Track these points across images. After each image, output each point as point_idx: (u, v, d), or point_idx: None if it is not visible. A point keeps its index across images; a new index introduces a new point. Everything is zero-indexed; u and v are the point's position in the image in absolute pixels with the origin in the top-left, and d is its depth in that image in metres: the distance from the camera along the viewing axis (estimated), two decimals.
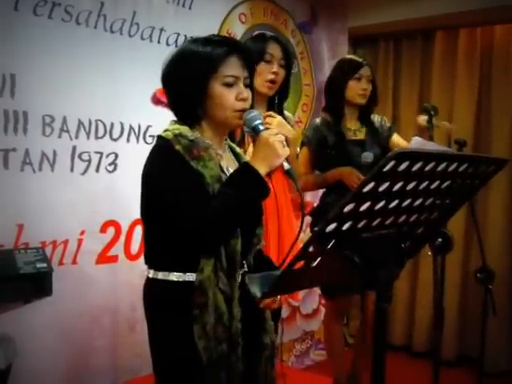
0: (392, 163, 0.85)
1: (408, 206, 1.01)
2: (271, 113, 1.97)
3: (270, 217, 1.95)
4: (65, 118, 2.17)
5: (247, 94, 1.36)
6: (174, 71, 1.36)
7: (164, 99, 1.43)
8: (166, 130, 1.35)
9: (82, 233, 2.23)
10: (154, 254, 1.38)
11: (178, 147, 1.30)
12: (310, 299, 3.45)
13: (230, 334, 1.32)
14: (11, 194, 2.02)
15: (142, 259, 1.43)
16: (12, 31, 2.01)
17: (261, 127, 1.35)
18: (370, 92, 2.48)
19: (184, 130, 1.34)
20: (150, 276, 1.38)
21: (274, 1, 3.13)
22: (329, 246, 0.97)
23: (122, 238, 2.38)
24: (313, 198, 3.20)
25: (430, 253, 1.94)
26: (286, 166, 1.33)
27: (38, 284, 1.76)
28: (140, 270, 1.53)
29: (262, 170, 1.28)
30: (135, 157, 2.25)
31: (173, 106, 1.40)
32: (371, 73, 2.49)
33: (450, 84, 3.51)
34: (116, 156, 2.36)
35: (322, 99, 3.37)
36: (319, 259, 0.99)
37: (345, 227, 0.94)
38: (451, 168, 0.99)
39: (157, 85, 1.41)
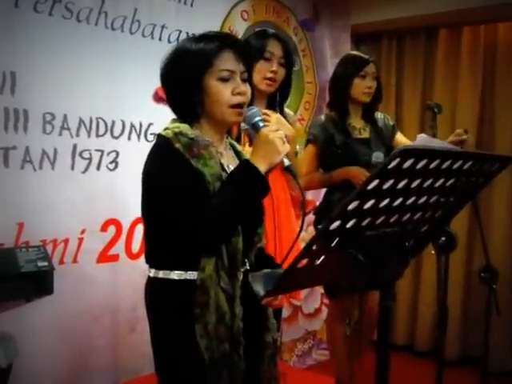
0: (397, 160, 0.84)
1: (412, 204, 1.01)
2: (267, 111, 1.94)
3: (267, 215, 1.93)
4: (65, 115, 2.17)
5: (244, 88, 1.35)
6: (170, 70, 1.37)
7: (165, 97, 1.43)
8: (165, 129, 1.35)
9: (83, 231, 2.23)
10: (155, 253, 1.38)
11: (177, 146, 1.29)
12: (312, 299, 3.44)
13: (232, 333, 1.32)
14: (11, 193, 2.02)
15: (142, 258, 1.42)
16: (12, 28, 2.00)
17: (260, 124, 1.34)
18: (375, 89, 2.46)
19: (184, 128, 1.34)
20: (151, 275, 1.37)
21: None
22: (333, 244, 0.96)
23: (123, 236, 2.37)
24: (314, 196, 3.19)
25: (433, 251, 1.92)
26: (287, 162, 1.32)
27: (39, 283, 1.76)
28: (141, 269, 1.52)
29: (262, 167, 1.28)
30: (136, 155, 2.24)
31: (172, 104, 1.40)
32: (376, 69, 2.46)
33: (453, 82, 3.49)
34: (117, 154, 2.35)
35: (324, 97, 3.36)
36: (323, 257, 0.99)
37: (349, 225, 0.94)
38: (456, 166, 0.99)
39: (158, 82, 1.40)
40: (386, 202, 0.94)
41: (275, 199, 1.98)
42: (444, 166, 0.95)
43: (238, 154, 1.49)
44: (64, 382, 2.17)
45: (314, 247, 0.95)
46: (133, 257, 2.40)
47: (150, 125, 2.44)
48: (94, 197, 2.25)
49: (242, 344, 1.33)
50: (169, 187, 1.28)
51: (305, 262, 0.96)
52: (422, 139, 2.05)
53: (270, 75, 1.96)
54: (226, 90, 1.33)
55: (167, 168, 1.29)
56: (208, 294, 1.28)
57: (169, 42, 2.51)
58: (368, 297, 2.53)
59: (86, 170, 2.24)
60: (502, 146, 3.33)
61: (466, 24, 3.43)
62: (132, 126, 2.40)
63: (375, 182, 0.87)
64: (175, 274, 1.32)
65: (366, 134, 2.48)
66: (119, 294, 2.36)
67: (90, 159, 2.25)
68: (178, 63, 1.35)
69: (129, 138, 2.39)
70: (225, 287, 1.31)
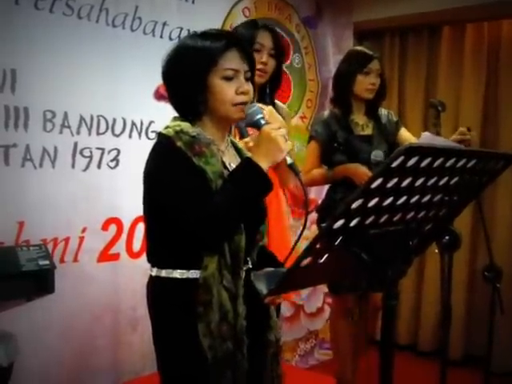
0: (401, 159, 0.84)
1: (416, 203, 1.00)
2: (261, 105, 1.92)
3: None
4: (66, 113, 2.16)
5: (248, 87, 1.35)
6: (174, 67, 1.35)
7: (166, 94, 1.41)
8: (166, 127, 1.34)
9: (84, 230, 2.22)
10: (157, 252, 1.37)
11: (179, 144, 1.29)
12: (315, 298, 3.43)
13: (235, 332, 1.31)
14: (12, 191, 2.01)
15: (143, 257, 1.42)
16: (13, 26, 2.00)
17: (262, 121, 1.33)
18: (378, 86, 2.44)
19: (185, 126, 1.33)
20: (153, 274, 1.37)
21: None
22: (336, 243, 0.96)
23: (124, 235, 2.36)
24: (317, 194, 3.18)
25: (436, 250, 1.91)
26: (289, 160, 1.31)
27: (41, 281, 1.76)
28: (142, 269, 1.52)
29: (264, 164, 1.27)
30: (137, 153, 2.22)
31: (174, 101, 1.39)
32: (380, 66, 2.45)
33: (456, 80, 3.47)
34: (118, 152, 2.34)
35: (326, 94, 3.35)
36: (326, 256, 0.98)
37: (352, 224, 0.93)
38: (460, 164, 0.98)
39: (159, 80, 1.39)
40: (389, 200, 0.94)
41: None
42: (448, 164, 0.94)
43: (239, 151, 1.49)
44: (65, 382, 2.17)
45: (318, 246, 0.94)
46: (134, 256, 2.39)
47: (151, 123, 2.43)
48: (95, 195, 2.25)
49: (245, 343, 1.33)
50: (170, 185, 1.27)
51: (308, 260, 0.96)
52: (426, 137, 2.05)
53: (260, 66, 1.93)
54: (229, 89, 1.32)
55: (169, 166, 1.29)
56: (211, 292, 1.28)
57: (170, 39, 2.50)
58: (371, 294, 2.52)
59: (87, 168, 2.23)
60: (507, 143, 3.31)
61: (469, 21, 3.41)
62: (133, 123, 2.39)
63: (379, 181, 0.87)
64: (177, 273, 1.31)
65: (368, 131, 2.48)
66: (120, 293, 2.35)
67: (91, 157, 2.24)
68: (182, 60, 1.34)
69: (130, 136, 2.38)
70: (228, 286, 1.30)
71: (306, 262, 0.96)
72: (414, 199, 0.99)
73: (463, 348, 3.37)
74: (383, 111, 2.55)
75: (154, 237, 1.37)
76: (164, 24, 2.48)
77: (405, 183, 0.91)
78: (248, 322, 1.34)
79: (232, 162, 1.40)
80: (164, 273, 1.33)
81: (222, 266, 1.30)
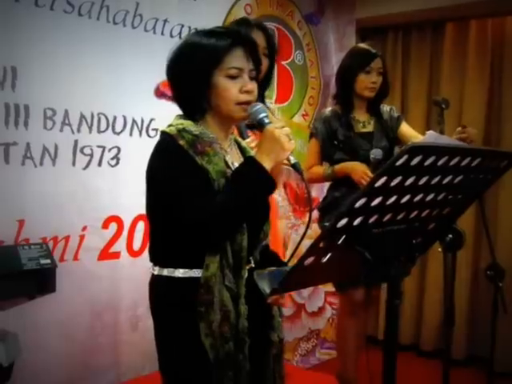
0: (405, 157, 0.84)
1: (420, 202, 1.00)
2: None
3: None
4: (66, 111, 2.15)
5: (252, 86, 1.34)
6: (179, 64, 1.35)
7: (167, 92, 1.40)
8: (169, 126, 1.34)
9: (84, 228, 2.21)
10: (160, 251, 1.37)
11: (181, 142, 1.28)
12: (316, 297, 3.41)
13: (237, 332, 1.31)
14: (12, 189, 2.00)
15: (144, 256, 1.41)
16: (13, 23, 1.98)
17: (266, 120, 1.32)
18: (381, 84, 2.45)
19: (188, 124, 1.33)
20: (156, 273, 1.36)
21: None
22: (339, 242, 0.96)
23: (125, 233, 2.35)
24: (318, 193, 3.16)
25: (440, 249, 1.90)
26: (293, 159, 1.31)
27: (42, 280, 1.76)
28: (142, 267, 1.51)
29: (268, 164, 1.26)
30: (138, 151, 2.24)
31: (177, 98, 1.38)
32: (382, 64, 2.45)
33: (460, 76, 3.45)
34: (118, 150, 2.33)
35: (328, 92, 3.33)
36: (330, 255, 0.98)
37: (356, 222, 0.94)
38: (464, 162, 0.98)
39: (160, 77, 1.39)
40: (393, 199, 0.94)
41: None
42: (452, 162, 0.94)
43: (242, 150, 1.48)
44: (65, 380, 2.16)
45: (321, 245, 0.94)
46: (134, 254, 2.38)
47: (151, 120, 2.42)
48: (96, 193, 2.24)
49: (246, 343, 1.32)
50: (173, 184, 1.26)
51: (311, 259, 0.96)
52: (431, 136, 2.04)
53: None
54: (233, 87, 1.32)
55: (171, 165, 1.28)
56: (212, 292, 1.27)
57: (171, 36, 2.49)
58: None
59: (87, 166, 2.22)
60: (510, 140, 3.29)
61: (473, 17, 3.39)
62: (134, 121, 2.38)
63: (383, 179, 0.87)
64: (180, 272, 1.31)
65: (370, 128, 2.49)
66: (121, 291, 2.34)
67: (92, 155, 2.24)
68: (187, 58, 1.33)
69: (130, 134, 2.37)
70: (229, 285, 1.30)
71: (309, 261, 0.95)
72: (417, 198, 0.98)
73: (466, 348, 3.35)
74: (385, 107, 2.55)
75: (157, 235, 1.37)
76: (165, 21, 2.46)
77: (408, 182, 0.91)
78: (250, 322, 1.33)
79: (235, 161, 1.40)
80: (166, 272, 1.33)
81: (223, 266, 1.29)
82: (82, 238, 2.20)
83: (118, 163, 2.33)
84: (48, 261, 1.79)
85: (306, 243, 1.05)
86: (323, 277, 1.31)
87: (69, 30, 2.13)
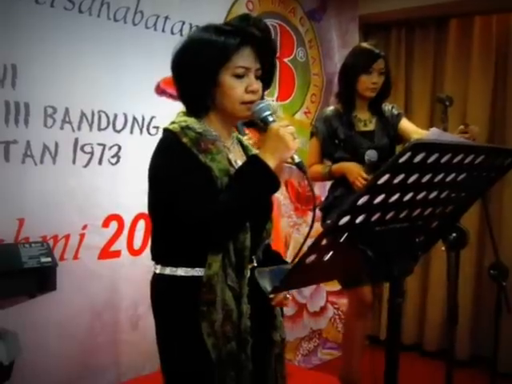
0: (408, 154, 0.83)
1: (423, 199, 0.99)
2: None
3: None
4: (67, 109, 2.14)
5: (257, 85, 1.33)
6: (185, 60, 1.33)
7: (168, 90, 1.38)
8: (172, 123, 1.33)
9: (84, 227, 2.21)
10: (162, 249, 1.36)
11: (185, 140, 1.28)
12: (318, 297, 3.40)
13: (239, 332, 1.30)
14: (12, 188, 2.00)
15: (145, 254, 1.40)
16: (13, 20, 1.98)
17: (270, 118, 1.31)
18: (382, 84, 2.44)
19: (192, 121, 1.32)
20: (157, 271, 1.35)
21: None
22: (342, 240, 0.96)
23: (125, 232, 2.35)
24: (320, 192, 3.14)
25: (443, 248, 1.88)
26: (297, 158, 1.30)
27: (43, 279, 1.76)
28: (143, 266, 1.50)
29: (272, 162, 1.26)
30: (139, 149, 2.24)
31: (181, 94, 1.37)
32: (384, 65, 2.45)
33: (464, 73, 3.42)
34: (119, 148, 2.32)
35: (331, 90, 3.31)
36: (331, 253, 0.98)
37: (358, 220, 0.93)
38: (468, 160, 0.97)
39: (161, 75, 1.37)
40: (396, 196, 0.93)
41: None
42: (455, 160, 0.93)
43: (244, 148, 1.47)
44: (65, 379, 2.16)
45: (323, 242, 0.94)
46: (135, 253, 2.37)
47: (152, 118, 2.41)
48: (96, 192, 2.24)
49: (249, 343, 1.31)
50: (176, 182, 1.26)
51: (313, 257, 0.95)
52: (434, 133, 2.03)
53: None
54: (239, 86, 1.31)
55: (174, 163, 1.27)
56: (214, 291, 1.27)
57: (172, 33, 2.48)
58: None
59: (88, 164, 2.22)
60: None
61: (477, 14, 3.36)
62: (134, 119, 2.37)
63: (386, 177, 0.86)
64: (182, 271, 1.30)
65: (371, 126, 2.50)
66: (121, 290, 2.34)
67: (92, 153, 2.23)
68: (194, 53, 1.31)
69: (131, 132, 2.37)
70: (232, 285, 1.29)
71: (310, 259, 0.94)
72: (420, 196, 0.97)
73: (470, 348, 3.32)
74: (387, 106, 2.55)
75: (159, 234, 1.36)
76: (166, 18, 2.46)
77: (411, 179, 0.90)
78: (253, 322, 1.32)
79: (238, 159, 1.39)
80: (168, 270, 1.32)
81: (226, 265, 1.29)
82: (82, 236, 2.20)
83: (118, 161, 2.32)
84: (49, 259, 1.79)
85: (309, 242, 1.03)
86: (325, 275, 1.31)
87: (69, 27, 2.12)
